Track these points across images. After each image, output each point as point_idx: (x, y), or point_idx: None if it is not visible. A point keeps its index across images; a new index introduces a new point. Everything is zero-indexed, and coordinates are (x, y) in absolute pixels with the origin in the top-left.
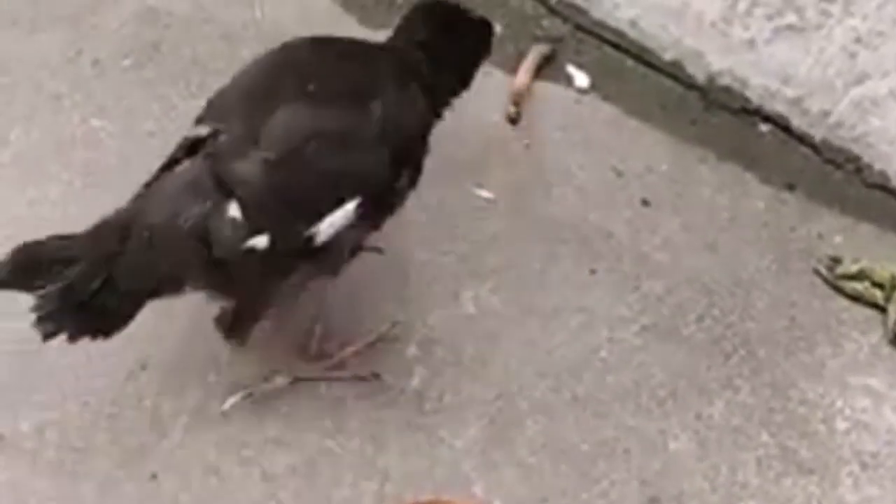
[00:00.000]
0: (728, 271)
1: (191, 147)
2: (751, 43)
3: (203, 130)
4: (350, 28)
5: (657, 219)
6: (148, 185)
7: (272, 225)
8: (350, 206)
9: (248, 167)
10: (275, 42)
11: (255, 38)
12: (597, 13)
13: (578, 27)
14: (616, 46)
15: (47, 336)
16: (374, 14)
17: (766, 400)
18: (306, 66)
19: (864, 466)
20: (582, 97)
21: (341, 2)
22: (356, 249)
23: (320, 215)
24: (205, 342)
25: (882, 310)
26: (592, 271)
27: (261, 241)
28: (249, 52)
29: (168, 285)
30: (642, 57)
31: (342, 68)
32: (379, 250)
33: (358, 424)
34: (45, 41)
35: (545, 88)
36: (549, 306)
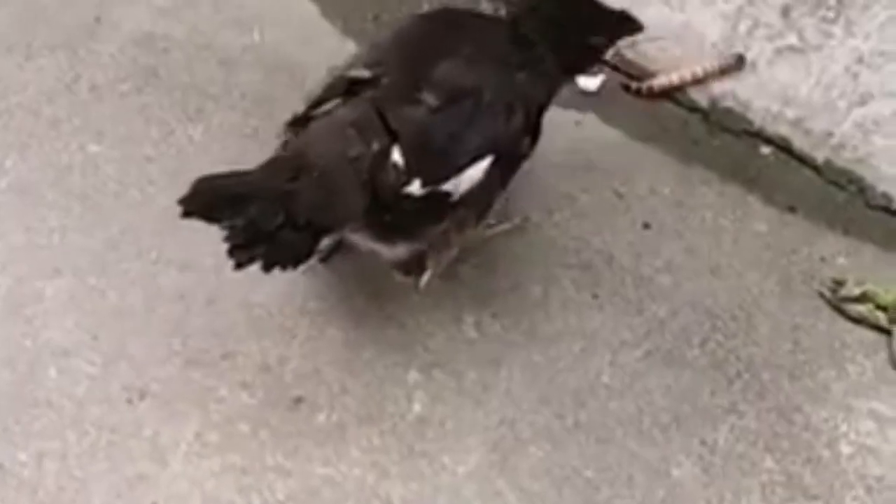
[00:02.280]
0: (731, 294)
1: (348, 88)
2: (752, 64)
3: (364, 73)
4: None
5: (659, 242)
6: (303, 120)
7: (427, 171)
8: (484, 163)
9: (414, 112)
10: (274, 66)
11: (253, 63)
12: None
13: None
14: (616, 69)
15: (240, 265)
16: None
17: (770, 425)
18: (459, 30)
19: (869, 490)
20: (583, 118)
21: (341, 26)
22: (488, 206)
23: (462, 168)
24: (204, 370)
25: (886, 332)
26: (595, 296)
27: (416, 187)
28: (248, 76)
29: (341, 222)
30: (643, 79)
31: (491, 36)
32: (526, 220)
33: (359, 452)
34: (42, 66)
35: (547, 113)
36: (551, 331)
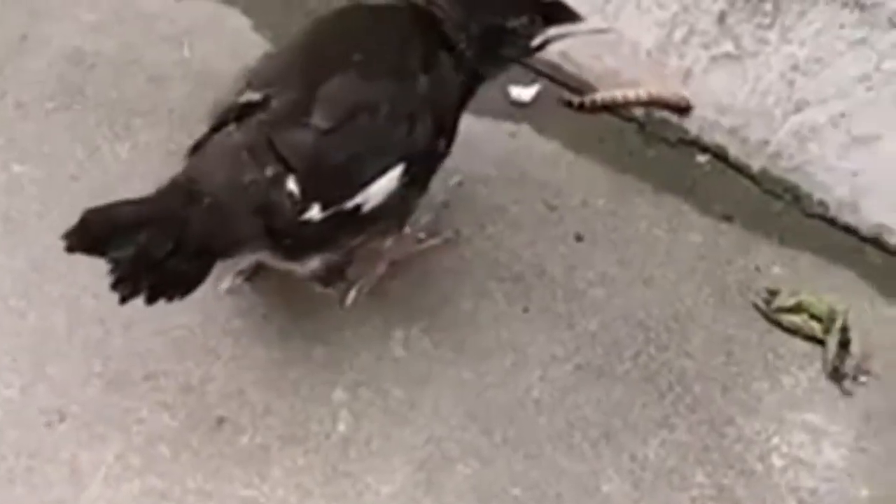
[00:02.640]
0: (664, 306)
1: (241, 111)
2: (687, 73)
3: (254, 95)
4: None
5: (592, 254)
6: (198, 147)
7: (325, 195)
8: (395, 174)
9: (304, 136)
10: (204, 81)
11: (183, 78)
12: None
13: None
14: (551, 79)
15: (124, 298)
16: None
17: (702, 438)
18: (356, 35)
19: None
20: (517, 129)
21: (273, 39)
22: (408, 211)
23: (368, 183)
24: (125, 392)
25: (820, 343)
26: (525, 309)
27: (315, 212)
28: (177, 92)
29: (233, 248)
30: (578, 90)
31: (387, 38)
32: (457, 233)
33: (282, 473)
34: None
35: (481, 124)
36: (481, 346)
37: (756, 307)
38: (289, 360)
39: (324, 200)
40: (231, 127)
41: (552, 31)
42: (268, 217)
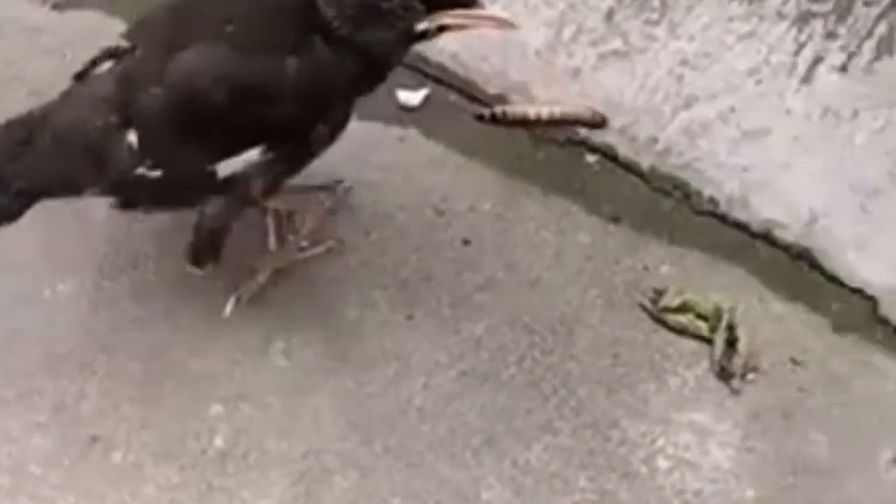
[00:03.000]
0: (551, 309)
1: (111, 55)
2: (576, 72)
3: (124, 43)
4: None
5: (479, 258)
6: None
7: (166, 159)
8: (255, 152)
9: (148, 101)
10: None
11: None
12: (419, 47)
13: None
14: (440, 82)
15: None
16: None
17: (586, 441)
18: (229, 4)
19: None
20: (405, 133)
21: None
22: (271, 189)
23: (220, 156)
24: None
25: (708, 342)
26: (410, 316)
27: (153, 172)
28: None
29: (65, 188)
30: (466, 91)
31: (262, 14)
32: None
33: (156, 490)
34: None
35: (368, 129)
36: (363, 356)
37: (643, 308)
38: (166, 374)
39: (161, 160)
40: (99, 70)
41: (441, 17)
42: (102, 164)
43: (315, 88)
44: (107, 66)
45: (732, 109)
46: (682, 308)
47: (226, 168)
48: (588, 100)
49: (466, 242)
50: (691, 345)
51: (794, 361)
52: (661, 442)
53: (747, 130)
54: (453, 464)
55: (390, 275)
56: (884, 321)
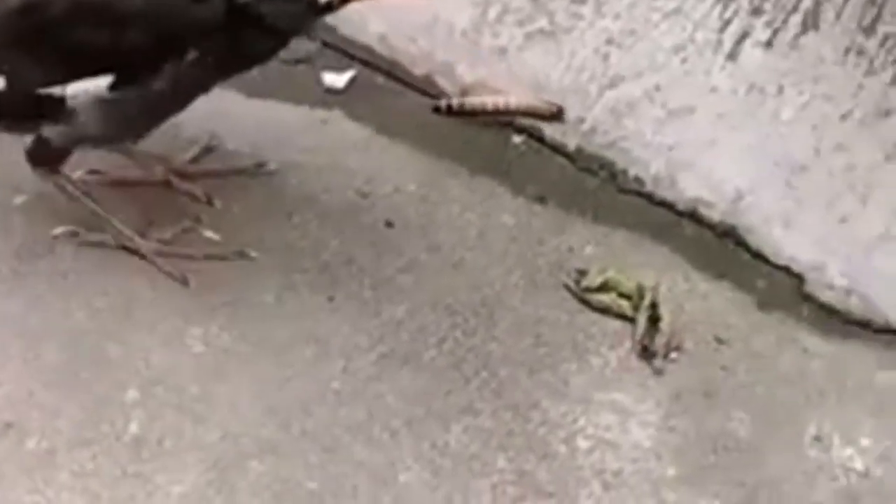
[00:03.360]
0: (473, 291)
1: None
2: (502, 51)
3: None
4: None
5: (402, 241)
6: None
7: (8, 69)
8: (102, 82)
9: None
10: None
11: None
12: (345, 29)
13: (327, 45)
14: (367, 64)
15: None
16: None
17: (506, 423)
18: None
19: (606, 486)
20: (329, 116)
21: None
22: (121, 135)
23: (63, 78)
24: None
25: (631, 321)
26: (330, 298)
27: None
28: None
29: None
30: (393, 73)
31: None
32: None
33: (69, 477)
34: None
35: (293, 112)
36: (282, 339)
37: (566, 288)
38: (82, 360)
39: (5, 75)
40: None
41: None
42: None
43: (161, 19)
44: None
45: (658, 88)
46: (604, 287)
47: (72, 94)
48: (514, 79)
49: (389, 224)
50: (615, 325)
51: (718, 340)
52: (581, 422)
53: (673, 109)
54: (371, 447)
55: (311, 257)
56: (809, 298)
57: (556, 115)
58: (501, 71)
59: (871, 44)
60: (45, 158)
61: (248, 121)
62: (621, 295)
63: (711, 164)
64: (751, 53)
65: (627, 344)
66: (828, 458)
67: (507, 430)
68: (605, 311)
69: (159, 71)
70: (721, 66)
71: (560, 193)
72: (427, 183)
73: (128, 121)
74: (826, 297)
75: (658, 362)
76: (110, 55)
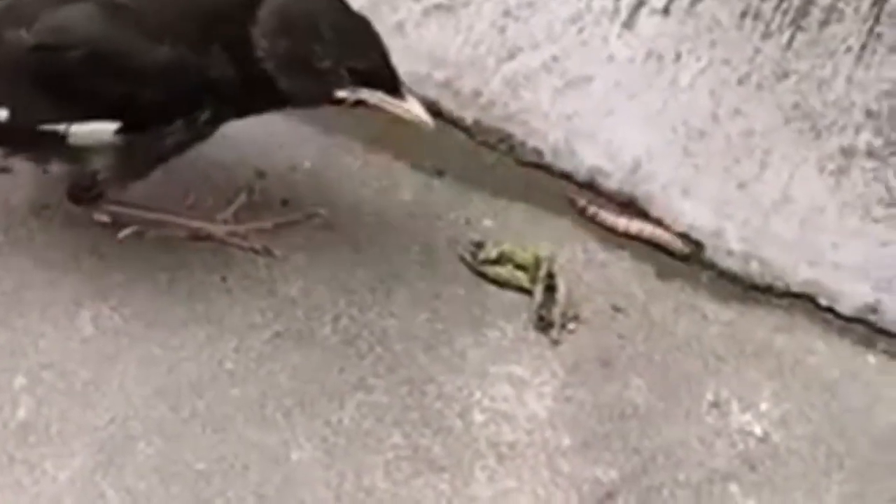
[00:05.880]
0: (370, 267)
1: None
2: (399, 27)
3: None
4: None
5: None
6: None
7: (12, 103)
8: (108, 128)
9: (11, 39)
10: None
11: None
12: None
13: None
14: None
15: None
16: None
17: (401, 398)
18: None
19: (500, 459)
20: None
21: None
22: (123, 176)
23: (70, 119)
24: None
25: (528, 293)
26: (223, 278)
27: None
28: None
29: None
30: None
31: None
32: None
33: None
34: None
35: None
36: (174, 320)
37: (463, 261)
38: None
39: (9, 108)
40: None
41: (363, 93)
42: None
43: (181, 79)
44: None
45: (555, 58)
46: (501, 259)
47: (76, 134)
48: (412, 54)
49: (285, 203)
50: (512, 297)
51: (615, 309)
52: (477, 395)
53: (571, 79)
54: (263, 427)
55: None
56: (709, 265)
57: (685, 257)
58: (398, 47)
59: (767, 6)
60: (79, 197)
61: None
62: (518, 267)
63: (610, 133)
64: (648, 21)
65: (524, 316)
66: (725, 424)
67: (403, 406)
68: (502, 283)
69: (171, 124)
70: (618, 35)
71: (458, 167)
72: (322, 160)
73: (131, 164)
74: (726, 263)
75: (555, 333)
76: (123, 107)
